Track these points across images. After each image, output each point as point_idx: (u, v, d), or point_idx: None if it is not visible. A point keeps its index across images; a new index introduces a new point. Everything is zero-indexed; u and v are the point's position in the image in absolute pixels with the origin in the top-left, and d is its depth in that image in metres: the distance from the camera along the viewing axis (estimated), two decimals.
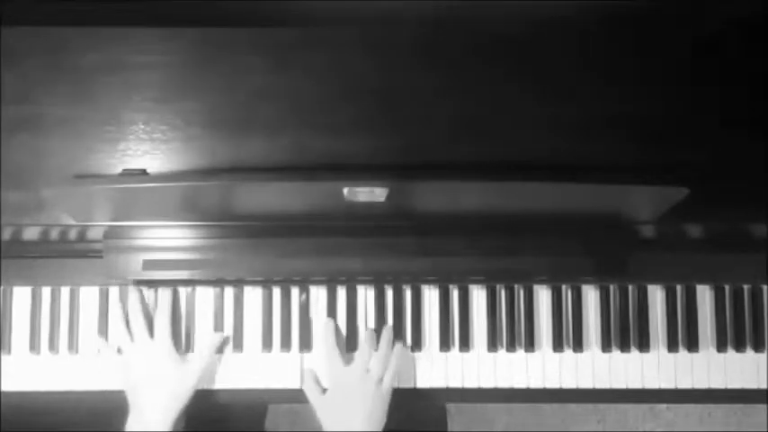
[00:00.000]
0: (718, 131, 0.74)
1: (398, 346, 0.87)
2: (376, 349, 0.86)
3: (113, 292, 0.89)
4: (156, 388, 0.82)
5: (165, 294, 0.88)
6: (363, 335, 0.88)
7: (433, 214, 0.78)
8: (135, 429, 0.80)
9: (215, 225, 0.80)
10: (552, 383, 0.89)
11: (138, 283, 0.87)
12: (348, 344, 0.89)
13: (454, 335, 0.89)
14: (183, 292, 0.89)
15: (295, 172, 0.72)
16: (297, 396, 0.88)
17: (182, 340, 0.88)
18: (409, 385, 0.88)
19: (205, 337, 0.88)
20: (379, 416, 0.82)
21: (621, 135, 0.74)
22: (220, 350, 0.88)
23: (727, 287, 0.90)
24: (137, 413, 0.81)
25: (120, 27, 0.74)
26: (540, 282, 0.90)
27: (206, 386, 0.87)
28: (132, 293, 0.87)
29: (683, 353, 0.89)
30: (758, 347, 0.89)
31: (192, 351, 0.88)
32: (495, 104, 0.74)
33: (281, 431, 1.34)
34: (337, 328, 0.89)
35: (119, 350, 0.87)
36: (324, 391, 0.86)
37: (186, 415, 0.83)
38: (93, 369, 0.88)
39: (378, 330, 0.89)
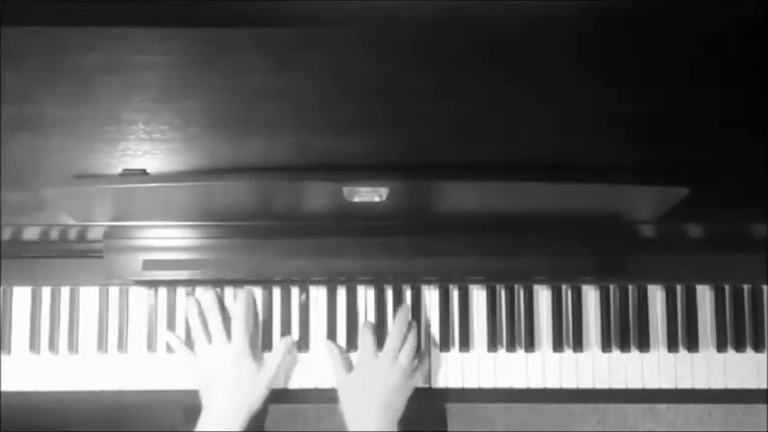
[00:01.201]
0: (718, 131, 0.74)
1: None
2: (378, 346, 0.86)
3: (113, 291, 0.89)
4: (231, 390, 0.82)
5: (242, 296, 0.87)
6: (392, 325, 0.87)
7: (432, 214, 0.78)
8: (208, 429, 0.80)
9: (215, 225, 0.80)
10: (552, 383, 0.89)
11: (138, 283, 0.88)
12: (348, 344, 0.89)
13: (454, 335, 0.89)
14: (182, 292, 0.89)
15: (295, 172, 0.72)
16: (297, 396, 0.88)
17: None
18: None
19: (280, 339, 0.88)
20: (397, 406, 0.82)
21: (621, 135, 0.74)
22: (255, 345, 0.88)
23: (727, 287, 0.90)
24: (209, 413, 0.81)
25: (120, 27, 0.74)
26: (540, 282, 0.90)
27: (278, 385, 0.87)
28: (209, 294, 0.87)
29: (683, 353, 0.89)
30: (758, 347, 0.89)
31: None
32: (495, 104, 0.74)
33: (281, 431, 1.35)
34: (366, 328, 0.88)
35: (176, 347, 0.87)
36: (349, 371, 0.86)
37: (259, 415, 0.84)
38: (93, 369, 0.88)
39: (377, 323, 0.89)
